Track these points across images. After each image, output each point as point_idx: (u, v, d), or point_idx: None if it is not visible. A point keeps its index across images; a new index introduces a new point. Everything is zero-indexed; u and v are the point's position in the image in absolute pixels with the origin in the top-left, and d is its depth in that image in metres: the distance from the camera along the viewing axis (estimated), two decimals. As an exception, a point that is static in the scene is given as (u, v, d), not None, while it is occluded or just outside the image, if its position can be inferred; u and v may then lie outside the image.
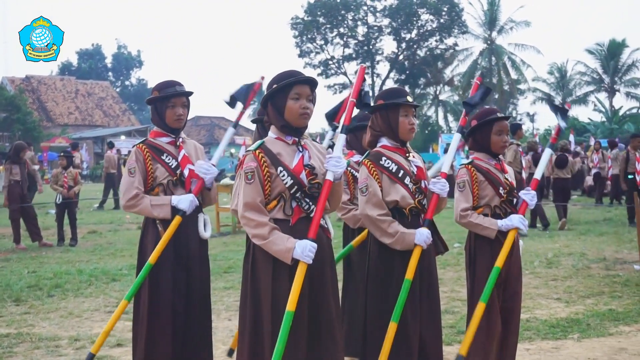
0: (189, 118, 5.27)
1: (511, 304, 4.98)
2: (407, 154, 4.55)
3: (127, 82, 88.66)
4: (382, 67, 61.41)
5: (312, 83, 4.01)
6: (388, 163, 4.44)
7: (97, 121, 63.88)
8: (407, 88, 60.68)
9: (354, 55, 60.50)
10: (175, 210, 4.79)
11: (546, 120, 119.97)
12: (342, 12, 58.56)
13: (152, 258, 4.71)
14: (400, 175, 4.43)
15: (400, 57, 60.58)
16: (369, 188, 4.40)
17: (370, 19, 60.04)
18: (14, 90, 56.98)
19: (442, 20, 58.28)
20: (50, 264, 11.17)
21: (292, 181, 3.89)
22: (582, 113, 63.84)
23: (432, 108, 65.55)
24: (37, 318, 7.48)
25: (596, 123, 49.44)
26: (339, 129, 4.40)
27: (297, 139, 4.02)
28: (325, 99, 62.01)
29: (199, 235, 4.91)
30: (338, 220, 12.05)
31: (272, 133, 4.06)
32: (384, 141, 4.57)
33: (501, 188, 4.87)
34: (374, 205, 4.37)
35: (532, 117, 65.94)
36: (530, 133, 53.41)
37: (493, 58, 59.57)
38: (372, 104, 4.73)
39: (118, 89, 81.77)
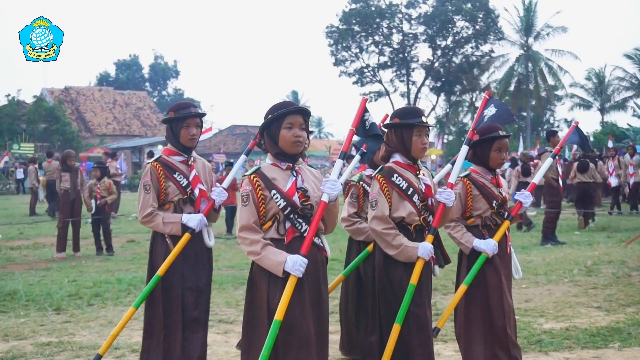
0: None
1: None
2: (418, 172, 4.80)
3: (164, 92, 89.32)
4: (418, 75, 61.32)
5: (304, 113, 4.29)
6: (399, 180, 4.71)
7: (135, 131, 64.42)
8: (442, 95, 60.64)
9: (389, 63, 60.43)
10: (185, 228, 5.15)
11: (584, 126, 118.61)
12: (377, 20, 58.53)
13: (161, 270, 5.12)
14: (409, 192, 4.70)
15: (436, 65, 60.38)
16: (378, 203, 4.69)
17: (406, 26, 59.95)
18: (53, 101, 57.73)
19: (477, 27, 57.98)
20: (90, 273, 11.29)
21: (285, 203, 4.17)
22: (620, 119, 63.22)
23: (468, 115, 65.24)
24: (77, 327, 7.56)
25: (635, 129, 48.78)
26: (338, 155, 4.67)
27: (291, 165, 4.30)
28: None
29: (205, 244, 5.31)
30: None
31: (268, 160, 4.37)
32: (397, 157, 4.83)
33: (494, 201, 5.25)
34: (380, 220, 4.66)
35: (569, 124, 65.08)
36: (568, 139, 52.79)
37: (530, 64, 59.10)
38: (381, 134, 5.01)
39: (155, 99, 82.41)
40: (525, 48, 59.64)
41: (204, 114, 5.44)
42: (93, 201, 13.96)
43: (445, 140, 61.40)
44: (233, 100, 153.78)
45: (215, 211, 5.38)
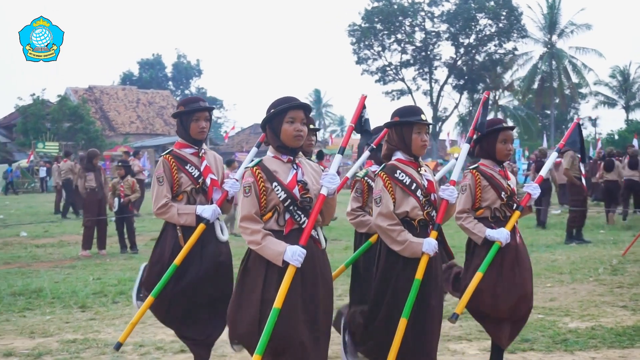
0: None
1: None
2: (419, 168, 4.92)
3: (187, 91, 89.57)
4: (440, 73, 61.08)
5: (305, 108, 4.46)
6: (402, 176, 4.81)
7: (158, 130, 64.63)
8: (465, 93, 60.34)
9: (411, 61, 60.25)
10: (199, 219, 5.30)
11: (609, 124, 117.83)
12: (400, 18, 58.38)
13: (177, 260, 5.27)
14: (412, 187, 4.80)
15: (459, 63, 60.13)
16: (382, 200, 4.79)
17: (428, 24, 59.75)
18: (77, 100, 58.10)
19: (500, 25, 57.65)
20: (114, 271, 11.35)
21: (285, 195, 4.31)
22: (646, 117, 62.72)
23: (491, 114, 64.85)
24: (102, 324, 7.61)
25: (661, 127, 48.34)
26: (337, 150, 4.88)
27: (292, 158, 4.44)
28: (384, 106, 61.65)
29: (217, 238, 5.42)
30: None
31: (270, 152, 4.52)
32: (399, 155, 4.95)
33: (503, 193, 5.40)
34: (385, 217, 4.75)
35: (594, 122, 64.85)
36: (592, 137, 52.51)
37: (553, 62, 58.77)
38: (370, 131, 5.46)
39: (178, 98, 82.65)
40: (548, 46, 59.30)
41: (212, 108, 5.65)
42: (116, 199, 14.03)
43: (468, 139, 61.06)
44: (256, 99, 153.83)
45: (228, 202, 5.54)
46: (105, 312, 8.22)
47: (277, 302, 4.12)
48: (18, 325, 7.64)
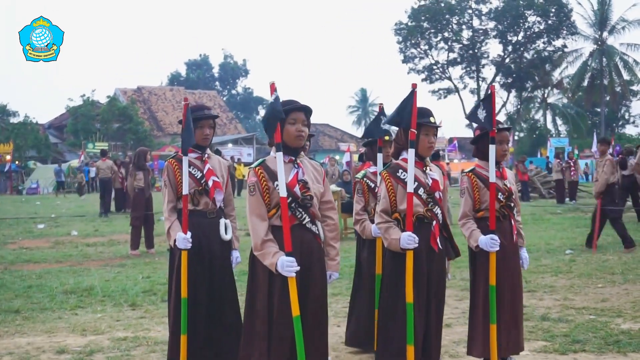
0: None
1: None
2: (425, 167, 5.07)
3: (233, 91, 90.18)
4: (488, 71, 60.78)
5: (306, 110, 4.69)
6: (404, 175, 4.93)
7: (205, 130, 65.14)
8: (513, 91, 59.74)
9: (458, 60, 59.91)
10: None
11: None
12: (447, 16, 58.07)
13: (183, 293, 5.34)
14: (414, 186, 4.88)
15: (507, 60, 59.59)
16: (382, 198, 5.01)
17: (476, 22, 59.41)
18: (126, 100, 58.82)
19: (549, 22, 57.03)
20: (164, 270, 11.39)
21: (286, 193, 4.47)
22: (699, 114, 61.26)
23: (539, 111, 64.20)
24: (152, 322, 7.68)
25: None
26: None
27: (293, 158, 4.66)
28: (430, 105, 61.29)
29: (221, 237, 5.58)
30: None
31: (272, 153, 4.68)
32: (405, 155, 5.05)
33: (500, 194, 5.40)
34: (380, 213, 4.98)
35: (646, 120, 63.64)
36: (643, 136, 51.53)
37: (604, 59, 57.84)
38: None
39: (225, 98, 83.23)
40: (599, 42, 58.40)
41: (216, 116, 5.89)
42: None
43: (516, 137, 60.52)
44: (301, 99, 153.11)
45: None
46: (155, 310, 8.30)
47: (295, 311, 4.35)
48: (70, 322, 7.76)
